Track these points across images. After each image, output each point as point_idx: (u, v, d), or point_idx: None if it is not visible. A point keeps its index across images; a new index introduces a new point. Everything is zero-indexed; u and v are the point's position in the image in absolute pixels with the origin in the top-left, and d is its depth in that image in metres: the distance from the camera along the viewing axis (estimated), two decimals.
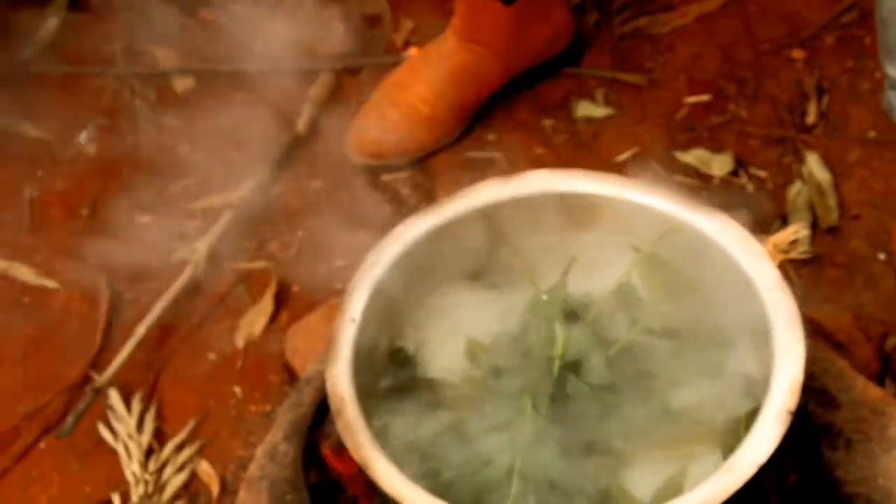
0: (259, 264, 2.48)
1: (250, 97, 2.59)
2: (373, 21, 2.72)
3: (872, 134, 2.53)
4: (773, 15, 2.70)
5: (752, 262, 1.73)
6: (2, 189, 2.61)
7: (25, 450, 2.24)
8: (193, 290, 2.43)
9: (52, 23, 2.73)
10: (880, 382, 2.05)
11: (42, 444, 2.26)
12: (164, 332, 2.38)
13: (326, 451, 1.87)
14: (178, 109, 2.63)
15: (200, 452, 2.21)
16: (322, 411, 1.88)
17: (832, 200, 2.42)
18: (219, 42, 2.66)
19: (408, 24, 2.70)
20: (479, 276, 1.92)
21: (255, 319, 2.39)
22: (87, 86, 2.70)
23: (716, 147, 2.54)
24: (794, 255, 2.22)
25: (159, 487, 2.15)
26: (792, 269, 2.21)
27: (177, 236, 2.49)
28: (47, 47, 2.75)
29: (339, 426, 1.60)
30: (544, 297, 1.85)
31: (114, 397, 2.25)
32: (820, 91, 2.59)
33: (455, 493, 1.64)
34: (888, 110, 2.14)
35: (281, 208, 2.53)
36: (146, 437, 2.21)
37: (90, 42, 2.78)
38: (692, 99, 2.62)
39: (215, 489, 2.17)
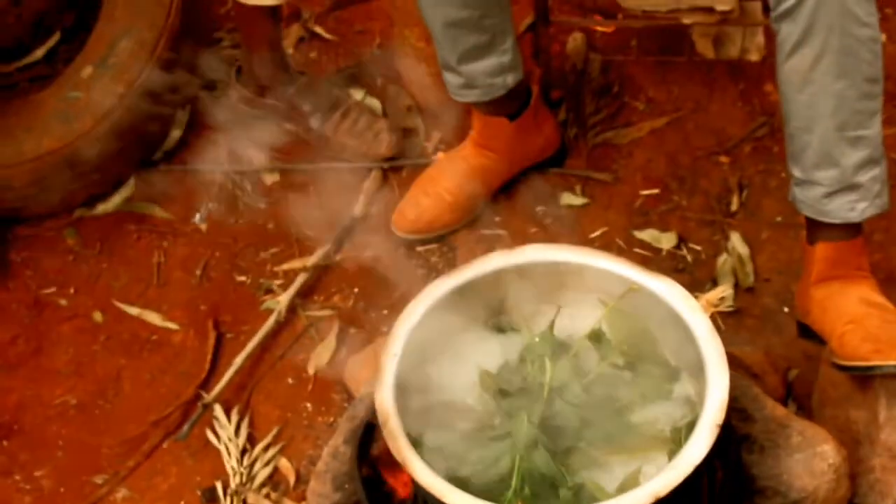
0: (325, 312, 2.58)
1: (320, 188, 2.69)
2: (410, 132, 2.80)
3: (779, 219, 2.59)
4: (705, 130, 2.78)
5: (690, 313, 1.90)
6: (137, 255, 2.71)
7: (152, 449, 2.39)
8: (277, 331, 2.54)
9: (175, 133, 2.83)
10: (784, 403, 2.16)
11: (164, 445, 2.40)
12: (254, 362, 2.50)
13: (376, 451, 1.95)
14: (267, 197, 2.74)
15: (281, 452, 2.36)
16: (371, 423, 1.94)
17: (749, 268, 2.52)
18: (298, 147, 2.78)
19: (436, 135, 2.79)
20: (488, 322, 2.06)
21: (322, 353, 2.50)
22: (202, 179, 2.76)
23: (663, 227, 2.62)
24: (721, 308, 2.19)
25: (251, 478, 2.30)
26: (720, 319, 2.25)
27: (265, 291, 2.62)
28: (172, 151, 2.84)
29: (385, 434, 1.80)
30: (537, 338, 1.99)
31: (218, 410, 2.40)
32: (741, 187, 2.67)
33: (471, 484, 1.79)
34: (792, 201, 2.22)
35: (342, 271, 2.62)
36: (241, 440, 2.35)
37: (203, 147, 2.82)
38: (646, 192, 2.69)
39: (292, 480, 2.31)
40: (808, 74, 2.05)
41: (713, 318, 1.98)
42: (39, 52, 2.91)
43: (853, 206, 2.15)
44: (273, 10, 2.72)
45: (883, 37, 2.04)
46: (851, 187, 2.14)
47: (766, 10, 2.30)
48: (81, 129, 2.65)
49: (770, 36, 2.40)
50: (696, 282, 2.50)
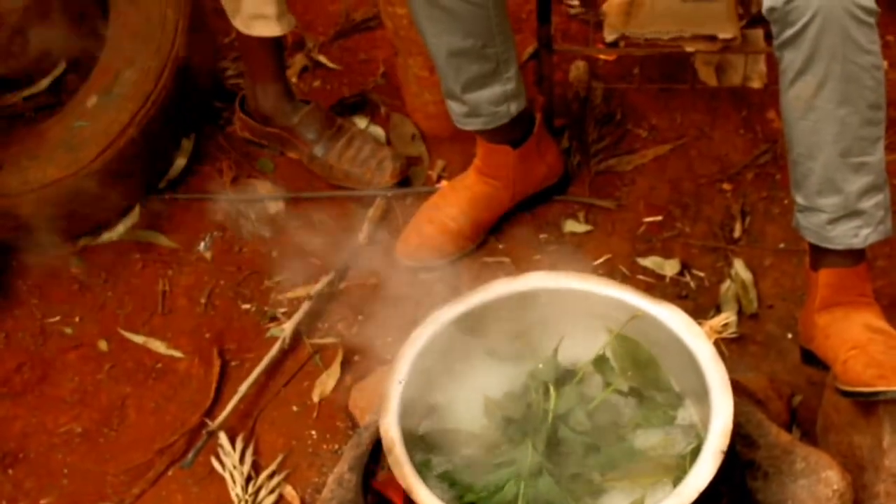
0: (329, 340, 2.56)
1: (324, 216, 2.70)
2: (414, 161, 2.81)
3: (782, 245, 2.60)
4: (708, 157, 2.79)
5: (694, 340, 1.89)
6: (142, 284, 2.70)
7: (157, 477, 2.38)
8: (281, 359, 2.53)
9: (180, 162, 2.83)
10: (788, 429, 2.14)
11: (170, 473, 2.38)
12: (259, 389, 2.49)
13: (379, 480, 1.98)
14: (271, 225, 2.74)
15: (286, 479, 2.34)
16: (377, 450, 1.97)
17: (753, 294, 2.52)
18: (302, 176, 2.79)
19: (440, 163, 2.80)
20: (493, 349, 2.05)
21: (327, 381, 2.50)
22: (205, 208, 2.77)
23: (667, 254, 2.62)
24: (725, 335, 2.29)
25: None
26: (723, 345, 2.31)
27: (270, 319, 2.62)
28: (176, 180, 2.84)
29: (390, 461, 1.79)
30: (541, 365, 1.98)
31: (223, 438, 2.37)
32: (743, 213, 2.67)
33: None
34: (796, 228, 2.22)
35: (346, 299, 2.62)
36: (246, 468, 2.34)
37: (208, 176, 2.85)
38: (649, 219, 2.69)
39: None
40: (811, 101, 2.05)
41: (717, 344, 1.98)
42: (45, 83, 2.92)
43: (856, 232, 2.14)
44: (277, 41, 2.74)
45: (885, 63, 2.03)
46: (855, 214, 2.13)
47: (769, 37, 2.31)
48: (86, 158, 2.66)
49: (772, 63, 2.40)
50: (700, 308, 2.49)
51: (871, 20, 1.97)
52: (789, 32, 1.98)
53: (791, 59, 2.03)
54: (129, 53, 2.71)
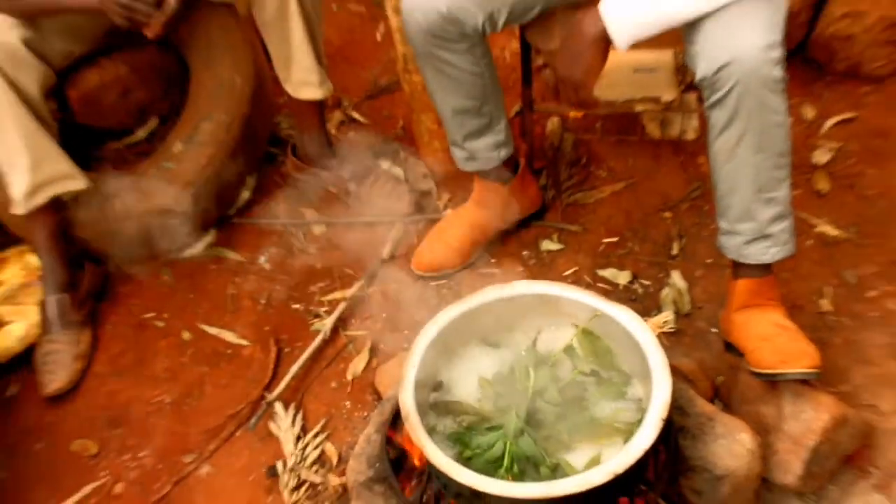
0: (360, 332, 2.59)
1: (356, 237, 2.71)
2: (426, 194, 2.82)
3: (709, 260, 2.59)
4: (653, 193, 2.78)
5: (641, 333, 1.93)
6: (216, 288, 2.73)
7: (228, 436, 2.42)
8: (323, 347, 2.56)
9: (245, 195, 2.86)
10: (712, 402, 2.16)
11: (237, 434, 2.43)
12: (306, 371, 2.51)
13: (400, 438, 2.00)
14: (315, 244, 2.77)
15: (327, 438, 2.38)
16: (396, 416, 2.00)
17: (686, 299, 2.52)
18: (339, 205, 2.80)
19: (446, 196, 2.81)
20: (487, 340, 2.09)
21: (358, 364, 2.52)
22: (265, 230, 2.81)
23: (620, 267, 2.61)
24: (664, 329, 2.37)
25: (303, 459, 2.32)
26: (663, 337, 2.33)
27: (314, 316, 2.63)
28: (243, 208, 2.87)
29: (407, 426, 1.84)
30: (523, 353, 2.03)
31: (278, 407, 2.43)
32: (680, 236, 2.66)
33: (472, 464, 1.83)
34: (720, 247, 2.24)
35: (373, 301, 2.63)
36: (296, 430, 2.38)
37: (267, 205, 2.89)
38: (607, 240, 2.68)
39: (335, 460, 2.33)
40: (733, 150, 2.07)
41: (658, 336, 1.99)
42: (142, 133, 2.90)
43: (766, 251, 2.17)
44: (319, 102, 2.76)
45: (790, 120, 2.07)
46: (765, 237, 2.16)
47: (701, 100, 2.29)
48: (174, 192, 2.67)
49: (703, 120, 2.39)
50: (646, 309, 2.50)
51: (781, 87, 1.98)
52: (716, 97, 2.00)
53: (717, 118, 2.04)
54: (205, 110, 2.71)
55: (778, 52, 1.98)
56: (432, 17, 2.23)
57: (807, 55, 2.97)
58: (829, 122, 2.87)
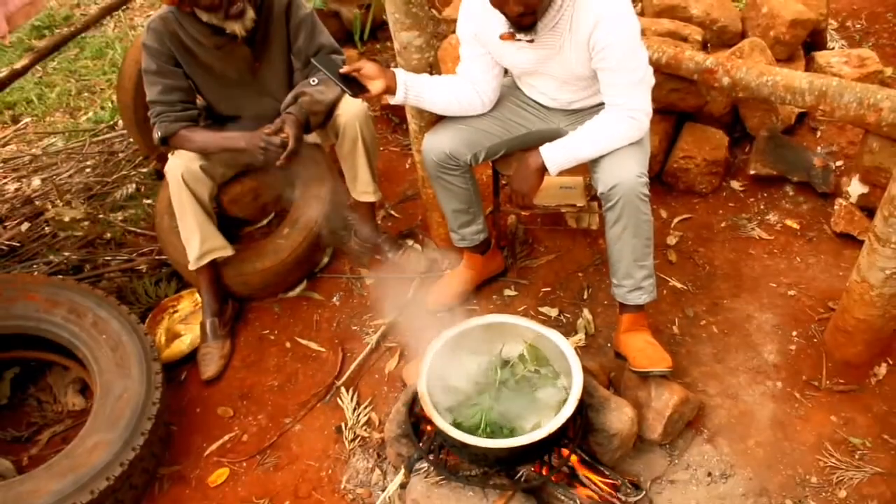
0: (393, 344, 2.52)
1: (392, 286, 2.65)
2: (434, 261, 2.74)
3: (606, 302, 2.53)
4: (571, 262, 2.71)
5: (565, 347, 1.93)
6: (306, 316, 2.66)
7: (311, 407, 2.39)
8: (370, 353, 2.50)
9: (325, 259, 2.83)
10: (608, 389, 2.13)
11: (318, 405, 2.39)
12: (360, 367, 2.46)
13: (418, 409, 2.00)
14: (367, 290, 2.71)
15: (372, 409, 2.34)
16: (415, 397, 1.99)
17: (592, 326, 2.46)
18: (382, 267, 2.74)
19: (447, 262, 2.72)
20: (473, 349, 2.05)
21: (392, 363, 2.47)
22: (337, 281, 2.76)
23: (552, 306, 2.54)
24: (579, 344, 2.38)
25: (357, 421, 2.28)
26: (578, 349, 2.22)
27: (365, 333, 2.58)
28: (323, 268, 2.82)
29: (422, 403, 1.84)
30: (493, 358, 2.02)
31: (343, 390, 2.38)
32: (588, 287, 2.60)
33: (461, 427, 1.83)
34: (612, 294, 2.20)
35: (402, 325, 2.54)
36: (353, 404, 2.34)
37: (338, 266, 2.80)
38: (545, 289, 2.61)
39: (377, 422, 2.29)
40: (619, 236, 2.07)
41: (575, 349, 1.98)
42: (264, 222, 2.91)
43: (640, 297, 2.17)
44: (373, 203, 2.74)
45: (653, 218, 2.07)
46: (639, 288, 2.16)
47: (600, 206, 2.32)
48: (282, 258, 2.64)
49: (601, 217, 2.37)
50: (568, 332, 2.47)
51: (648, 199, 2.00)
52: (609, 204, 2.03)
53: (609, 217, 2.06)
54: (303, 209, 2.68)
55: (645, 178, 2.02)
56: (440, 155, 2.23)
57: (662, 179, 2.96)
58: (676, 220, 2.85)
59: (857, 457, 2.05)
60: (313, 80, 2.40)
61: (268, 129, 2.34)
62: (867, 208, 2.62)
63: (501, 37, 2.01)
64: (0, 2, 2.27)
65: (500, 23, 1.98)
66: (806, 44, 3.19)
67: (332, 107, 2.49)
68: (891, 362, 2.27)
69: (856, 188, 2.63)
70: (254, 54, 2.44)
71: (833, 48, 3.41)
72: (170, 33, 2.34)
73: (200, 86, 2.50)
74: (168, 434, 2.32)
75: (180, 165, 2.42)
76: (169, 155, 2.51)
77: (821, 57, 3.07)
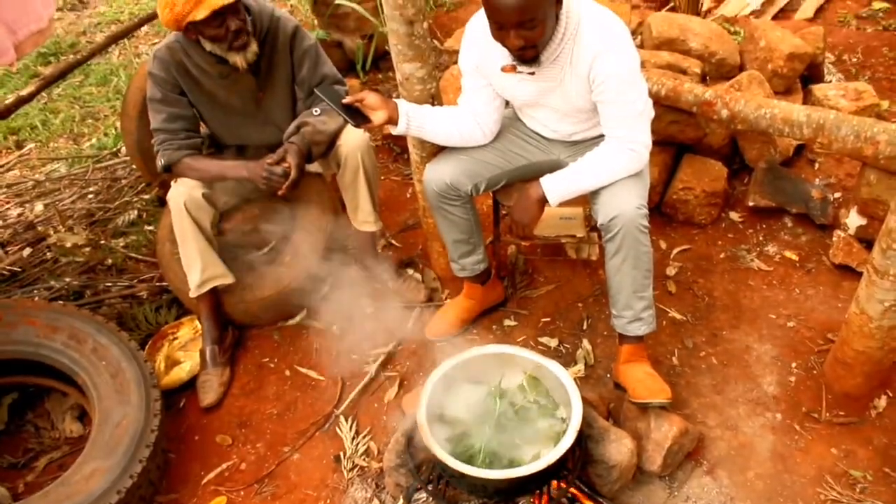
0: (393, 374, 2.51)
1: (393, 315, 2.64)
2: (434, 290, 2.76)
3: (605, 333, 2.53)
4: (571, 292, 2.71)
5: (565, 377, 1.92)
6: (306, 345, 2.64)
7: (311, 435, 2.37)
8: (370, 382, 2.49)
9: (325, 288, 2.75)
10: (607, 420, 2.13)
11: (317, 434, 2.37)
12: (359, 396, 2.45)
13: (415, 440, 1.95)
14: (367, 319, 2.65)
15: (371, 439, 2.32)
16: (414, 426, 1.95)
17: (592, 356, 2.45)
18: (384, 295, 2.72)
19: (447, 291, 2.75)
20: (472, 379, 2.05)
21: (391, 393, 2.44)
22: (335, 310, 2.69)
23: (552, 336, 2.54)
24: (578, 375, 2.37)
25: (356, 450, 2.26)
26: (577, 380, 2.31)
27: (365, 362, 2.56)
28: (324, 295, 2.73)
29: (420, 433, 1.83)
30: (492, 388, 2.01)
31: (342, 419, 2.37)
32: (588, 317, 2.59)
33: (460, 456, 1.82)
34: (612, 325, 2.21)
35: (401, 354, 2.55)
36: (352, 433, 2.33)
37: (339, 295, 2.76)
38: (544, 319, 2.60)
39: (376, 452, 2.27)
40: (619, 267, 2.09)
41: (575, 379, 1.99)
42: (265, 250, 2.78)
43: (639, 328, 2.18)
44: (374, 233, 2.75)
45: (652, 249, 2.09)
46: (639, 319, 2.17)
47: (599, 236, 2.34)
48: (282, 286, 2.65)
49: (601, 248, 2.38)
50: (567, 363, 2.47)
51: (647, 230, 2.02)
52: (609, 235, 2.05)
53: (609, 248, 2.08)
54: (304, 237, 2.68)
55: (644, 210, 2.03)
56: (441, 185, 2.25)
57: (661, 210, 2.97)
58: (675, 251, 2.87)
59: (857, 490, 2.04)
60: (316, 111, 2.45)
61: (270, 158, 2.37)
62: (865, 240, 2.64)
63: (503, 69, 2.04)
64: (9, 30, 2.31)
65: (501, 55, 2.02)
66: (803, 77, 3.24)
67: (335, 137, 2.52)
68: (891, 394, 2.27)
69: (854, 220, 2.65)
70: (258, 84, 2.48)
71: (830, 81, 3.46)
72: (175, 62, 2.38)
73: (205, 114, 2.54)
74: (166, 462, 2.30)
75: (183, 193, 2.44)
76: (172, 182, 2.53)
77: (818, 90, 3.12)
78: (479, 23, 2.04)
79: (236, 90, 2.47)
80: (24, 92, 3.30)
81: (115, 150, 3.88)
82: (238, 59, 2.33)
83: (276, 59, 2.46)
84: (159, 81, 2.38)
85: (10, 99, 3.40)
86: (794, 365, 2.39)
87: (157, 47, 2.39)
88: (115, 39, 3.95)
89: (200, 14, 2.16)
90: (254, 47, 2.33)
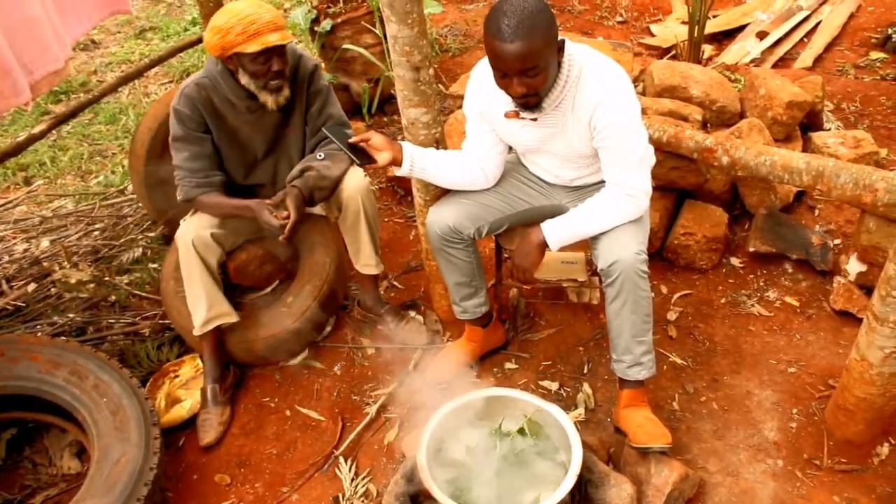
0: (393, 415, 2.50)
1: (394, 357, 2.67)
2: (436, 332, 2.75)
3: (606, 377, 2.52)
4: (571, 336, 2.71)
5: (565, 421, 1.93)
6: (307, 385, 2.64)
7: (310, 476, 2.36)
8: (370, 423, 2.49)
9: (328, 329, 2.82)
10: (607, 464, 2.11)
11: (316, 475, 2.36)
12: (359, 437, 2.44)
13: (415, 482, 1.94)
14: (368, 360, 2.70)
15: (370, 481, 2.31)
16: (414, 468, 1.95)
17: (592, 400, 2.45)
18: (384, 337, 2.75)
19: (448, 334, 2.75)
20: (471, 422, 2.06)
21: (392, 434, 2.44)
22: (339, 350, 2.76)
23: (553, 380, 2.54)
24: (579, 419, 2.36)
25: (355, 492, 2.25)
26: (578, 424, 2.31)
27: (366, 403, 2.57)
28: (325, 336, 2.81)
29: (420, 475, 1.83)
30: (493, 431, 2.01)
31: (341, 460, 2.37)
32: (588, 361, 2.59)
33: (460, 500, 1.82)
34: (612, 369, 2.23)
35: (403, 396, 2.54)
36: (351, 474, 2.32)
37: (340, 336, 2.81)
38: (545, 363, 2.60)
39: (375, 494, 2.26)
40: (619, 312, 2.10)
41: (575, 423, 2.00)
42: (269, 290, 2.90)
43: (640, 372, 2.18)
44: (376, 275, 2.78)
45: (653, 294, 2.10)
46: (639, 364, 2.17)
47: (600, 281, 2.36)
48: (285, 326, 2.66)
49: (602, 293, 2.37)
50: (567, 406, 2.47)
51: (647, 275, 2.03)
52: (609, 280, 2.07)
53: (609, 292, 2.09)
54: (307, 278, 2.71)
55: (644, 255, 2.05)
56: (444, 228, 2.28)
57: (662, 255, 2.99)
58: (676, 296, 2.88)
59: None
60: (320, 155, 2.49)
61: (270, 201, 2.42)
62: (866, 286, 2.66)
63: (506, 115, 2.09)
64: (27, 71, 2.37)
65: (505, 101, 2.07)
66: (803, 125, 3.30)
67: (338, 182, 2.56)
68: (893, 442, 2.27)
69: (854, 266, 2.67)
70: (283, 120, 2.53)
71: (829, 129, 3.51)
72: (203, 99, 2.40)
73: (223, 152, 2.55)
74: (164, 501, 2.29)
75: (191, 232, 2.47)
76: (181, 221, 2.57)
77: (817, 137, 3.17)
78: (483, 70, 2.08)
79: (262, 126, 2.51)
80: (36, 130, 3.37)
81: (121, 187, 3.94)
82: (269, 100, 2.38)
83: (296, 95, 2.51)
84: (184, 118, 2.39)
85: (23, 137, 3.45)
86: (795, 411, 2.39)
87: (185, 83, 2.40)
88: (126, 81, 4.03)
89: (251, 48, 2.19)
90: (286, 92, 2.38)
